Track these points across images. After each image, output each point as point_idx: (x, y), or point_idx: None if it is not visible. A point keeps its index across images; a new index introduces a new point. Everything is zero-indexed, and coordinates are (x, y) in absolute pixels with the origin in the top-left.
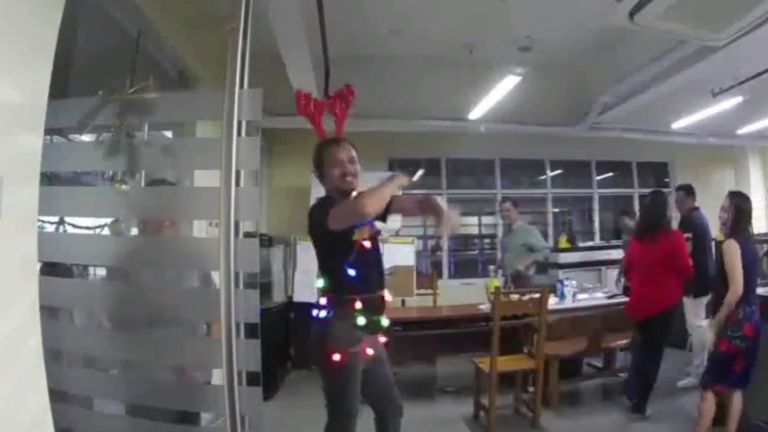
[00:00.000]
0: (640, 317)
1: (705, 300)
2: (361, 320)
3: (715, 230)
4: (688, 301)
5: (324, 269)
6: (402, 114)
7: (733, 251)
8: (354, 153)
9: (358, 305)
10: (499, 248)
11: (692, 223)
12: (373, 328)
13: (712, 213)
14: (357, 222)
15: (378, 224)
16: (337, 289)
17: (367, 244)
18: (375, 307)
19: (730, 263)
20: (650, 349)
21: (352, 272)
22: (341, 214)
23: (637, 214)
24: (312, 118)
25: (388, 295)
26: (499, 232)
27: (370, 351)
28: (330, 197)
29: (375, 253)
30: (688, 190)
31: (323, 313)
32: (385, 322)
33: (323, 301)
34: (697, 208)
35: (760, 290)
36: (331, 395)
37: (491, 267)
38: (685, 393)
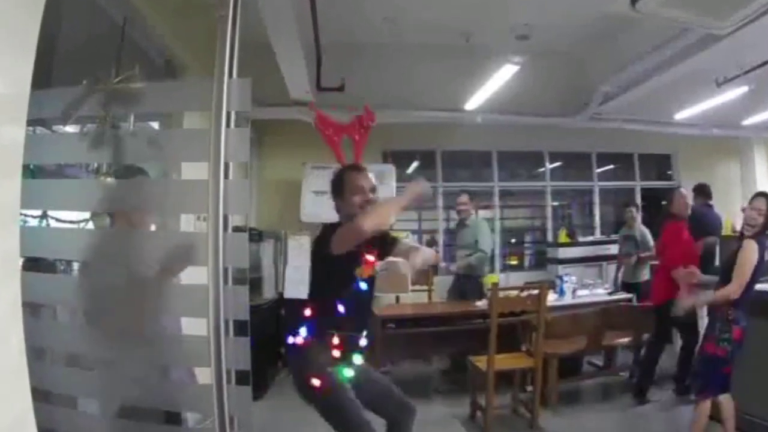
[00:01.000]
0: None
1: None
2: (336, 353)
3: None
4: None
5: (313, 296)
6: (396, 104)
7: (752, 251)
8: (374, 182)
9: (335, 341)
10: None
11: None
12: (345, 363)
13: (718, 204)
14: (360, 259)
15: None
16: (321, 321)
17: (364, 285)
18: (352, 345)
19: (743, 261)
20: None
21: (341, 308)
22: (342, 235)
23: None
24: (329, 141)
25: (363, 340)
26: (497, 226)
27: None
28: (341, 224)
29: (368, 294)
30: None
31: (299, 339)
32: (357, 359)
33: (302, 330)
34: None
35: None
36: (333, 421)
37: (444, 264)
38: None
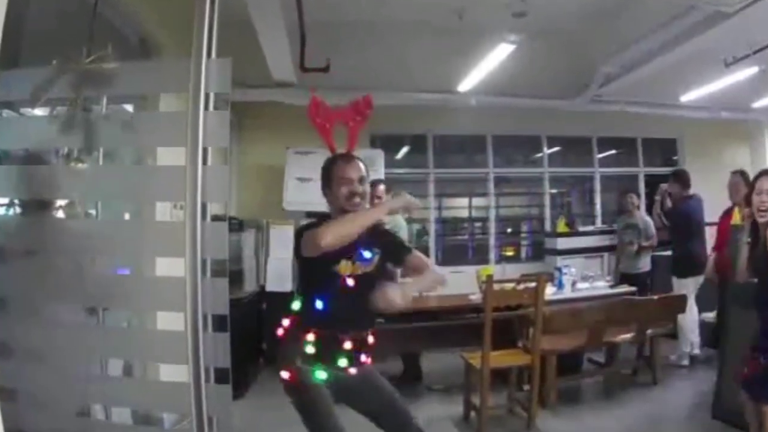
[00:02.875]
0: None
1: (691, 281)
2: (310, 349)
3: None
4: (685, 282)
5: (298, 291)
6: (385, 86)
7: None
8: (365, 172)
9: (310, 337)
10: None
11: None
12: (328, 363)
13: (725, 191)
14: (347, 254)
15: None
16: (302, 316)
17: (351, 282)
18: (333, 345)
19: None
20: None
21: (319, 304)
22: (306, 242)
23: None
24: (321, 129)
25: (348, 343)
26: (491, 214)
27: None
28: (328, 217)
29: (357, 293)
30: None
31: (280, 330)
32: (342, 361)
33: (285, 322)
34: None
35: None
36: (303, 419)
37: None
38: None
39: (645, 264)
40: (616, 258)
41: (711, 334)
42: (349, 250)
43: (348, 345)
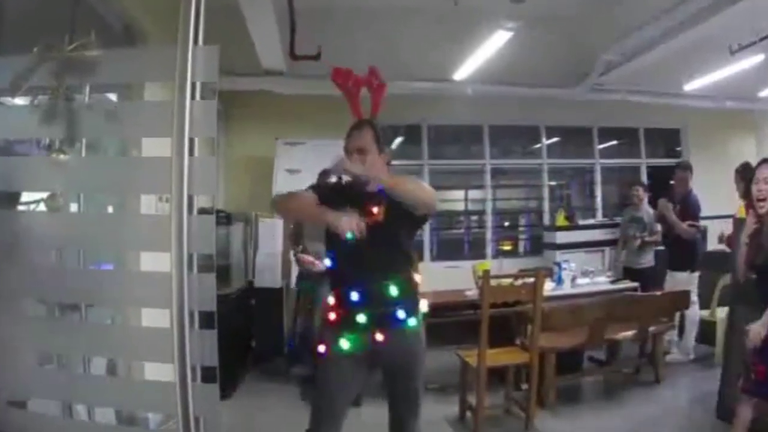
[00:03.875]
0: None
1: (696, 276)
2: (332, 315)
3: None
4: (683, 276)
5: None
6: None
7: None
8: (368, 142)
9: (330, 300)
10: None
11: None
12: (351, 326)
13: (730, 183)
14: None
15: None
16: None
17: (349, 235)
18: (347, 303)
19: None
20: None
21: (328, 262)
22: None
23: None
24: (347, 93)
25: (394, 290)
26: (488, 207)
27: (345, 344)
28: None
29: (360, 245)
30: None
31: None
32: (361, 318)
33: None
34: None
35: None
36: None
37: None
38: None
39: (649, 259)
40: (617, 252)
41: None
42: (353, 203)
43: (355, 296)
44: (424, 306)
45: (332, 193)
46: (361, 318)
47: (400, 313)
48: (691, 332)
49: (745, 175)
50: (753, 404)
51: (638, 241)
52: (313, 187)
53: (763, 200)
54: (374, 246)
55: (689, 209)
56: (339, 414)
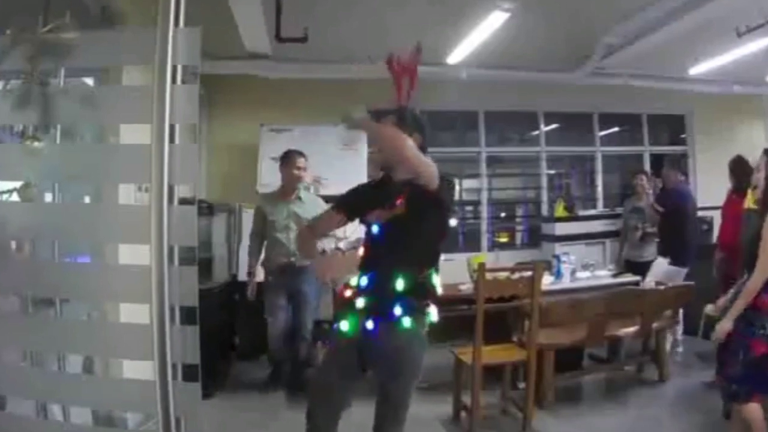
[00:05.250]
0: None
1: (681, 271)
2: (345, 294)
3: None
4: (662, 263)
5: None
6: (366, 57)
7: None
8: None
9: (347, 293)
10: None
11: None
12: (351, 309)
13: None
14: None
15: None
16: None
17: (375, 228)
18: (360, 287)
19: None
20: None
21: (361, 251)
22: None
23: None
24: (397, 83)
25: (400, 284)
26: (483, 197)
27: (344, 325)
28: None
29: (380, 238)
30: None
31: None
32: (360, 303)
33: None
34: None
35: None
36: None
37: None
38: None
39: (651, 252)
40: (620, 244)
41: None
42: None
43: (364, 282)
44: (433, 314)
45: (367, 188)
46: (360, 303)
47: (397, 310)
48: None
49: (737, 169)
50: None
51: (639, 232)
52: (345, 197)
53: (755, 188)
54: (392, 239)
55: (661, 197)
56: (333, 390)
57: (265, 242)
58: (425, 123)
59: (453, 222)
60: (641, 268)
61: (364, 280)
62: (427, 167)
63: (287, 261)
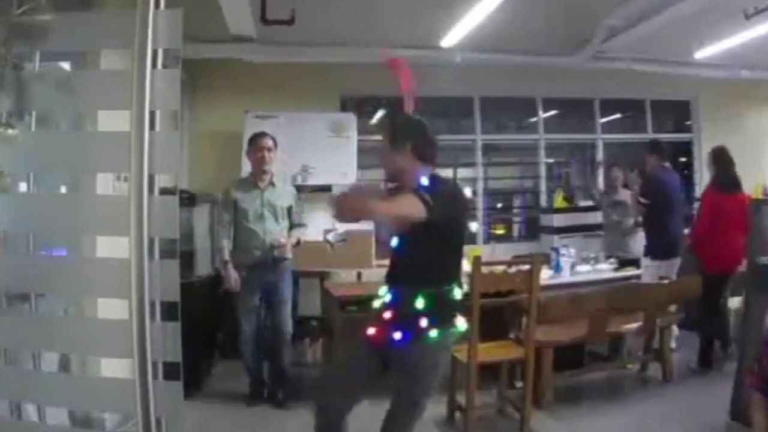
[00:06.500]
0: (730, 269)
1: (664, 264)
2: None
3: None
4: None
5: None
6: (356, 41)
7: None
8: (384, 140)
9: (375, 304)
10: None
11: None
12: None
13: (746, 162)
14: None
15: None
16: None
17: (394, 241)
18: (385, 303)
19: None
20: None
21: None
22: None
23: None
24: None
25: (420, 302)
26: (479, 187)
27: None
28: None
29: (397, 249)
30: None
31: None
32: (377, 303)
33: None
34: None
35: None
36: None
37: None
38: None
39: (638, 248)
40: (606, 242)
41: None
42: None
43: (387, 298)
44: (461, 323)
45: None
46: (387, 314)
47: (423, 322)
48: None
49: (719, 159)
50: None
51: (631, 221)
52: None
53: None
54: (409, 254)
55: (643, 187)
56: (353, 384)
57: (233, 233)
58: (421, 125)
59: (474, 226)
60: (632, 265)
61: (388, 297)
62: (399, 210)
63: (262, 255)
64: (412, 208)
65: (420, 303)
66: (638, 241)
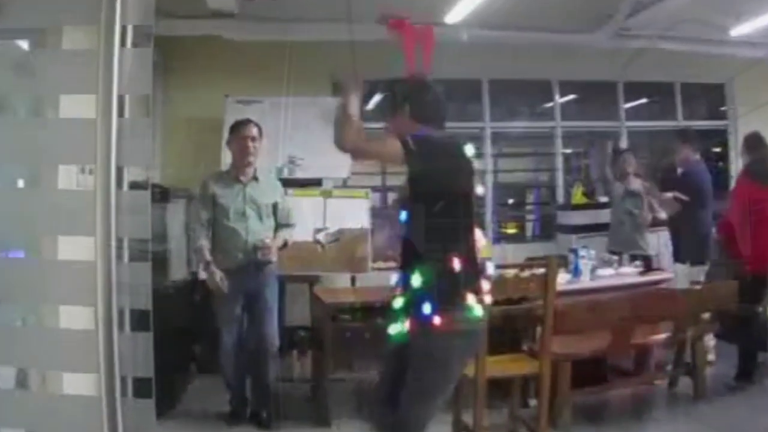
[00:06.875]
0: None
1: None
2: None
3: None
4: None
5: None
6: (351, 16)
7: None
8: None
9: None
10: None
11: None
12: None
13: None
14: None
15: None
16: None
17: (402, 215)
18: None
19: None
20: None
21: None
22: None
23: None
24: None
25: (417, 279)
26: (488, 181)
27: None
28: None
29: (404, 226)
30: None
31: None
32: (397, 303)
33: None
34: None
35: None
36: None
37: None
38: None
39: (652, 244)
40: (613, 238)
41: None
42: None
43: (394, 279)
44: (475, 306)
45: None
46: (397, 303)
47: (426, 308)
48: None
49: (751, 146)
50: None
51: (649, 216)
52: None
53: None
54: (414, 226)
55: (680, 180)
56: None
57: (211, 233)
58: (420, 85)
59: (480, 190)
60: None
61: (394, 278)
62: (373, 147)
63: (244, 258)
64: (388, 148)
65: (417, 279)
66: (648, 239)
